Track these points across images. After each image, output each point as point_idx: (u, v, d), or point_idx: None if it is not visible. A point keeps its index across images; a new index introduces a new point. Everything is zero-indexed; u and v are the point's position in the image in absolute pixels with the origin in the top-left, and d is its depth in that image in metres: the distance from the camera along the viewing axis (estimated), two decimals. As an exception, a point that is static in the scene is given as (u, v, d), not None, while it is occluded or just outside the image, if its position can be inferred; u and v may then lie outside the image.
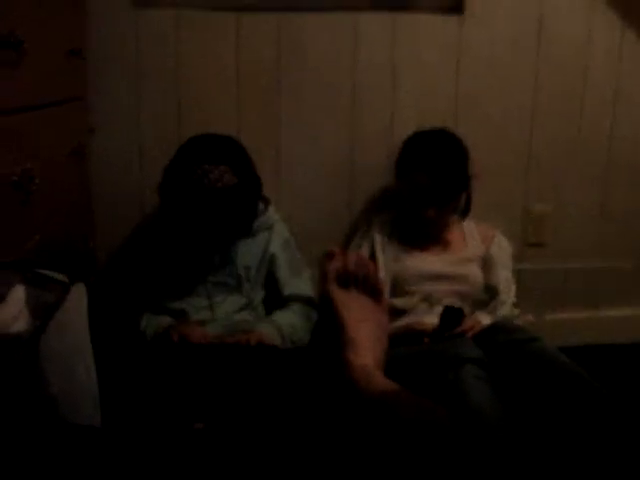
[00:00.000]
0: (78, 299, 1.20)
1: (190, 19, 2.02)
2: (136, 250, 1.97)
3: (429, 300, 1.97)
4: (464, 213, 2.11)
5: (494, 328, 1.83)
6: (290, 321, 1.93)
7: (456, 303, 1.92)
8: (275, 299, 2.00)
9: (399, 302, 1.97)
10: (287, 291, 1.98)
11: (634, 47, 2.29)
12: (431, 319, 1.89)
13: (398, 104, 2.19)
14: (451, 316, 1.83)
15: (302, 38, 2.10)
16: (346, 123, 2.18)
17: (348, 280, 1.01)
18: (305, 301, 1.99)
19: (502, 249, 2.10)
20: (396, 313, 1.94)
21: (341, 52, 2.13)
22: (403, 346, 1.75)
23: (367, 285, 1.01)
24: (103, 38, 1.99)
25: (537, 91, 2.28)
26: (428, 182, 1.94)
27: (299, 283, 2.00)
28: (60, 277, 1.22)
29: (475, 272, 2.03)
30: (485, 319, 1.90)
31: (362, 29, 2.12)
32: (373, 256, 2.01)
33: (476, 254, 2.07)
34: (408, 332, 1.86)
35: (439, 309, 1.88)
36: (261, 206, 1.97)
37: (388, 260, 2.01)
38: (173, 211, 1.87)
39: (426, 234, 2.05)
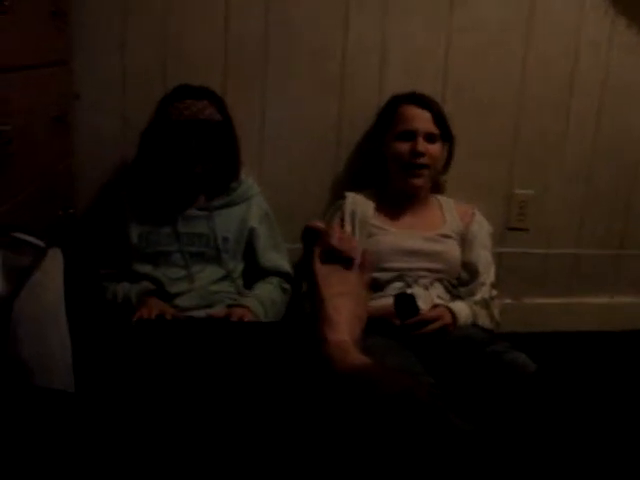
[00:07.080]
0: (54, 264, 1.18)
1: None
2: (116, 216, 1.95)
3: (404, 279, 1.93)
4: (445, 168, 2.12)
5: (465, 340, 1.80)
6: (270, 295, 1.94)
7: (407, 290, 1.88)
8: (253, 271, 2.00)
9: (374, 275, 1.91)
10: (266, 264, 1.99)
11: (623, 36, 2.28)
12: None
13: (386, 83, 2.18)
14: (403, 304, 1.78)
15: (292, 10, 2.07)
16: (333, 96, 2.16)
17: (331, 255, 1.01)
18: (283, 276, 2.00)
19: (482, 227, 2.09)
20: (373, 287, 1.91)
21: (331, 26, 2.11)
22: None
23: (349, 260, 1.01)
24: (88, 2, 1.95)
25: (525, 77, 2.27)
26: (418, 115, 2.00)
27: (278, 257, 2.01)
28: (37, 242, 1.20)
29: (452, 249, 2.01)
30: (462, 309, 1.87)
31: (354, 4, 2.10)
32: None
33: (454, 231, 2.05)
34: (381, 317, 1.80)
35: (414, 289, 1.88)
36: (243, 176, 1.97)
37: (361, 236, 1.97)
38: (154, 155, 1.87)
39: (406, 200, 2.04)
